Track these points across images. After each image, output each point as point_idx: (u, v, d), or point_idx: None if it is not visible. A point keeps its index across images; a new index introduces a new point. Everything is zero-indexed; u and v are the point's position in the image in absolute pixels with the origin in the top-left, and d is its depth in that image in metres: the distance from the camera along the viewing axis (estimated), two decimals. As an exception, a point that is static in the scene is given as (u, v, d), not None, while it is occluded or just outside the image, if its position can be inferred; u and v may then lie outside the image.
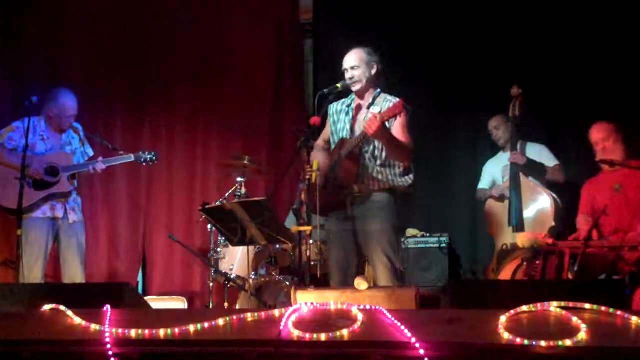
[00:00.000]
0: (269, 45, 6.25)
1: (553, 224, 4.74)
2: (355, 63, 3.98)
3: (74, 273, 4.76)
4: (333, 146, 4.14)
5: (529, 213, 4.88)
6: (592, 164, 4.53)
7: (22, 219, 4.62)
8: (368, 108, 4.01)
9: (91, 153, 5.04)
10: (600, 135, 4.39)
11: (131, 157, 4.96)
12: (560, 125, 5.61)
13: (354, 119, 4.05)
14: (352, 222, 3.99)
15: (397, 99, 3.94)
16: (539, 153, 5.12)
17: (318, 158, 3.88)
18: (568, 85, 5.49)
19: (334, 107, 4.18)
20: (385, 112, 3.72)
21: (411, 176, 3.98)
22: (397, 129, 3.88)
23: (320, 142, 4.20)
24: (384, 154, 3.93)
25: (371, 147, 3.94)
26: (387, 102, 3.95)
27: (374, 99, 4.01)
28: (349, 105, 4.12)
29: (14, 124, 4.80)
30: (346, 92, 4.11)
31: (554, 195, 4.89)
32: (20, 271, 4.30)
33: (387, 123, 3.78)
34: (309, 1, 6.30)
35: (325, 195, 3.81)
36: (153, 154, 5.03)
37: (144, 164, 5.05)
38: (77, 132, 4.99)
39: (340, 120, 4.12)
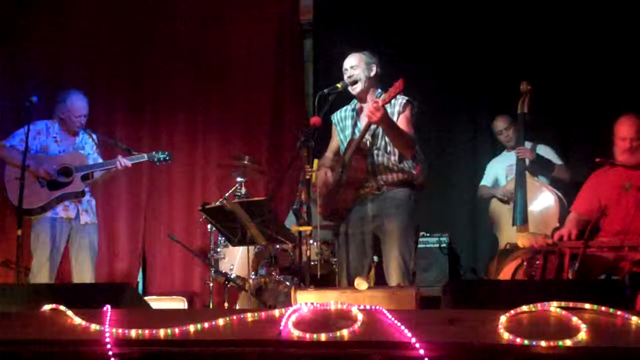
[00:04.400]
0: (269, 45, 6.25)
1: (557, 224, 4.71)
2: (354, 63, 3.98)
3: (83, 273, 4.76)
4: None
5: (533, 212, 4.87)
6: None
7: (33, 220, 4.72)
8: None
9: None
10: (632, 134, 4.16)
11: (144, 157, 4.95)
12: (568, 124, 5.59)
13: (357, 119, 4.04)
14: (369, 223, 3.95)
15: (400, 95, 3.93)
16: (545, 153, 5.12)
17: (321, 176, 3.86)
18: (574, 83, 5.47)
19: (337, 116, 4.15)
20: (385, 95, 3.70)
21: (418, 167, 3.96)
22: (402, 122, 3.88)
23: (329, 154, 4.16)
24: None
25: (383, 143, 3.92)
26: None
27: None
28: (353, 110, 4.11)
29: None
30: (347, 96, 4.09)
31: (559, 195, 4.88)
32: (19, 271, 4.31)
33: (392, 117, 3.79)
34: (309, 1, 6.30)
35: (339, 198, 3.79)
36: (167, 153, 5.01)
37: (158, 164, 5.04)
38: (90, 137, 4.99)
39: (347, 127, 4.09)
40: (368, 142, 3.93)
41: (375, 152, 3.92)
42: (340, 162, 4.01)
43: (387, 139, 3.88)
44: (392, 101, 3.87)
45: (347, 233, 4.00)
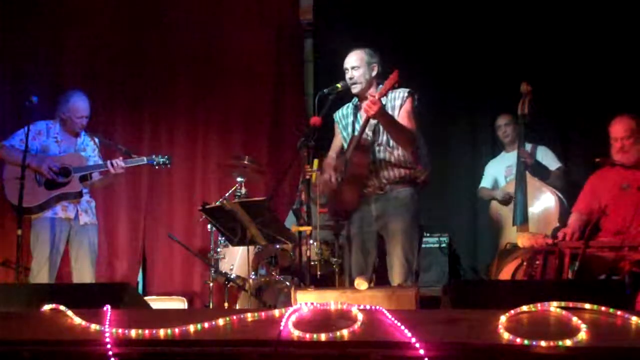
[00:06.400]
0: (269, 45, 6.25)
1: (557, 224, 4.71)
2: (355, 64, 3.95)
3: (83, 274, 4.76)
4: None
5: (533, 212, 4.87)
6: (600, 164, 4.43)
7: (32, 219, 4.70)
8: None
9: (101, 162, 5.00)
10: (622, 134, 4.20)
11: (144, 160, 4.92)
12: (568, 125, 5.59)
13: (358, 116, 4.03)
14: (373, 223, 3.93)
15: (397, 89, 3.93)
16: (543, 156, 5.12)
17: (325, 179, 3.84)
18: (574, 84, 5.47)
19: (340, 113, 4.14)
20: (382, 88, 3.69)
21: (422, 164, 3.94)
22: (403, 116, 3.85)
23: (332, 153, 4.12)
24: None
25: (384, 138, 3.88)
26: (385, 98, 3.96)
27: None
28: (354, 107, 4.08)
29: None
30: (348, 95, 4.09)
31: (559, 195, 4.88)
32: (19, 271, 4.30)
33: (392, 110, 3.78)
34: (309, 1, 6.30)
35: (343, 198, 3.78)
36: (167, 157, 4.97)
37: (157, 167, 5.02)
38: (92, 140, 4.97)
39: (349, 125, 4.07)
40: (369, 138, 3.89)
41: (377, 148, 3.89)
42: (343, 161, 3.99)
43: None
44: (393, 94, 3.87)
45: (351, 234, 3.98)
